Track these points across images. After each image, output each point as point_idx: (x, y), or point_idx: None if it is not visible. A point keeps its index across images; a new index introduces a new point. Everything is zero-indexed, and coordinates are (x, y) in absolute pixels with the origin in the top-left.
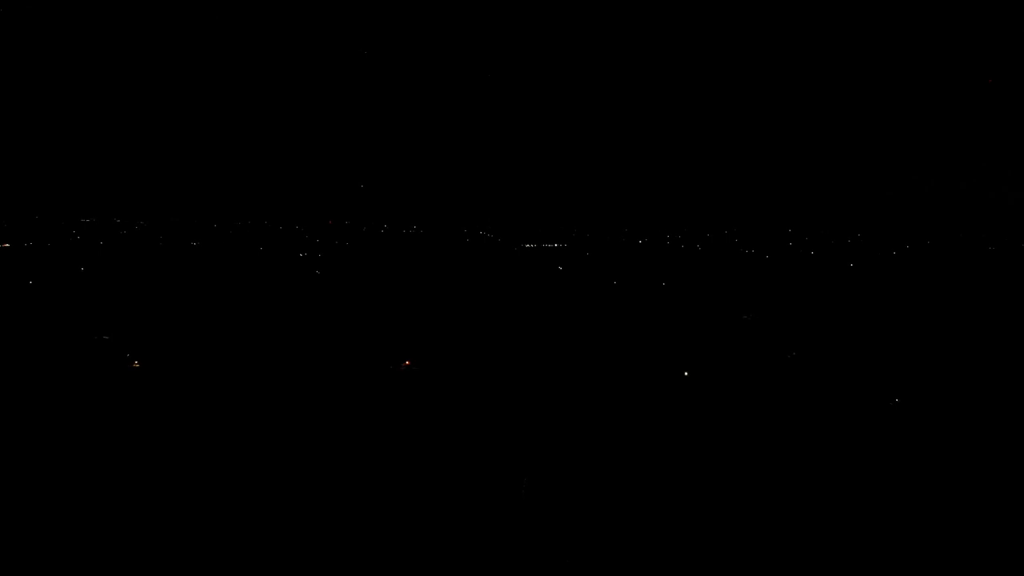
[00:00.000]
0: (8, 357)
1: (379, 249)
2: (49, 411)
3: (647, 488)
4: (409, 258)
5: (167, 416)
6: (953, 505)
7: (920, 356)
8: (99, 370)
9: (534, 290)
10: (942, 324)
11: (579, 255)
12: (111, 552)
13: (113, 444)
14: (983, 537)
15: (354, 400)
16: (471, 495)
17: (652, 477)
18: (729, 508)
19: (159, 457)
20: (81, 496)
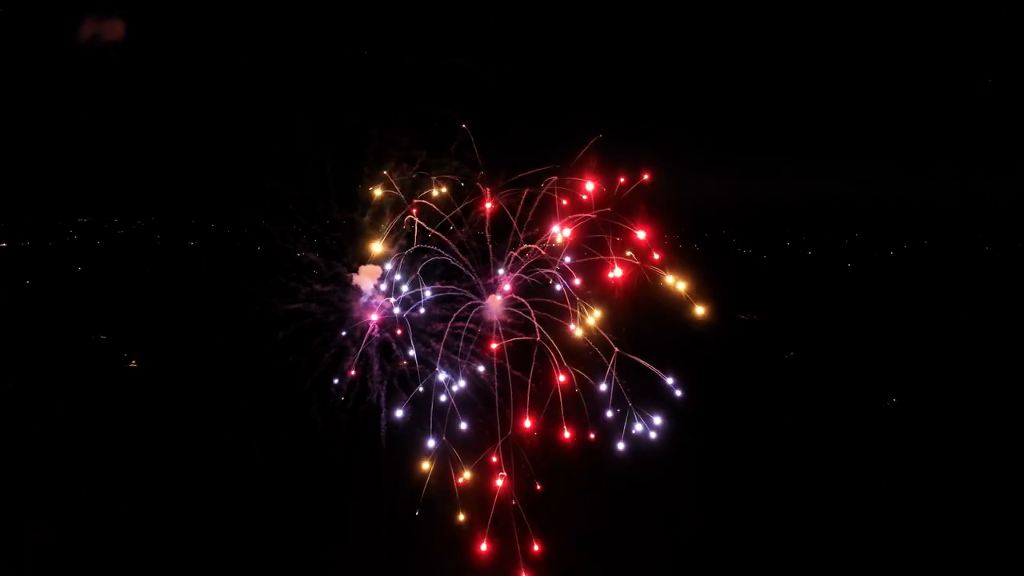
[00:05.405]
0: (7, 357)
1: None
2: (48, 410)
3: (647, 487)
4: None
5: (166, 415)
6: (950, 503)
7: (917, 356)
8: (97, 369)
9: None
10: (940, 324)
11: None
12: (111, 544)
13: (112, 443)
14: (980, 535)
15: (352, 399)
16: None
17: (651, 476)
18: (728, 507)
19: (157, 455)
20: (79, 494)
